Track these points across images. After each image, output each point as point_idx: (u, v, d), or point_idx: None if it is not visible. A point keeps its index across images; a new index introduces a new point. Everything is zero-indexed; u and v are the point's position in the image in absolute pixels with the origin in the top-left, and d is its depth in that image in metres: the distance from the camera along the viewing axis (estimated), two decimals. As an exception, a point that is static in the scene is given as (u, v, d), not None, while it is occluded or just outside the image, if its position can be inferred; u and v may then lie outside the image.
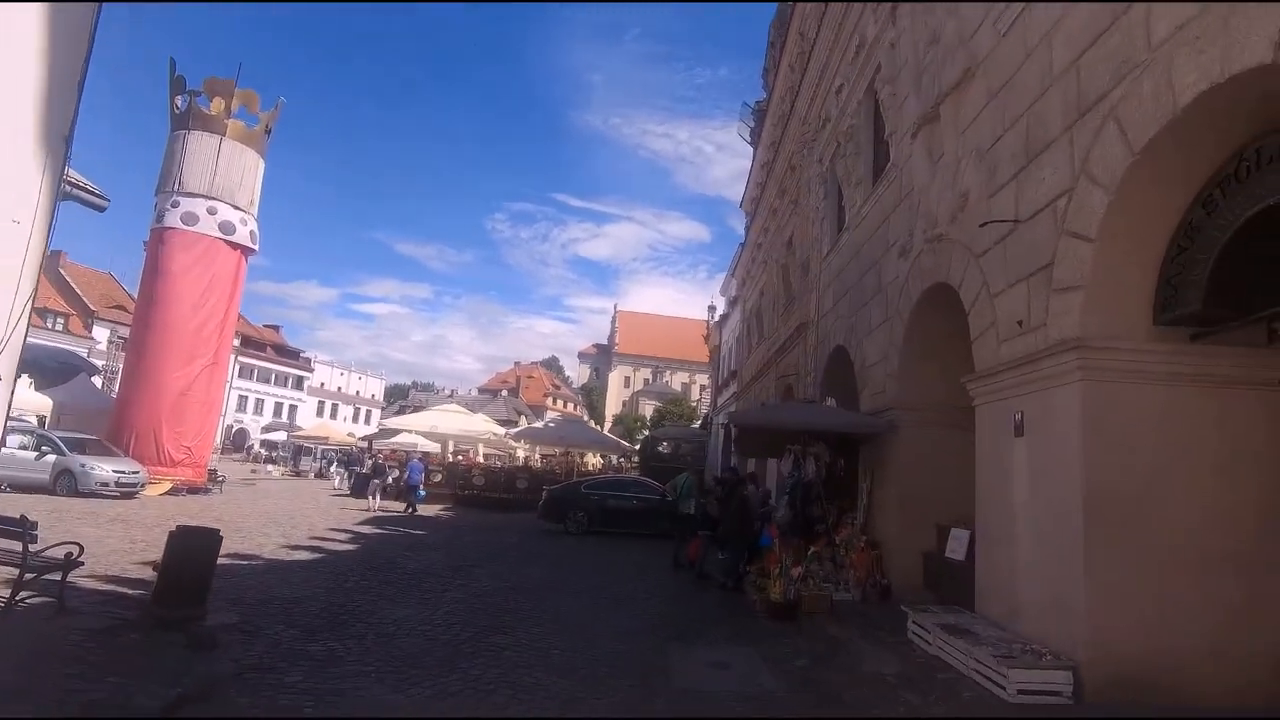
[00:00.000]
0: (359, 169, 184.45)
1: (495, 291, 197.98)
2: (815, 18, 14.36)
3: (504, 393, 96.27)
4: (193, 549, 6.11)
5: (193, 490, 20.35)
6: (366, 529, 15.70)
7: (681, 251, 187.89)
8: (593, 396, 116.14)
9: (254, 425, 63.68)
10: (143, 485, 17.77)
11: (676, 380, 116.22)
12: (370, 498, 21.26)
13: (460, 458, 29.98)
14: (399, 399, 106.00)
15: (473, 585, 9.66)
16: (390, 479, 22.92)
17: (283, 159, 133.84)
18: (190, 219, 20.93)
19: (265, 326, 67.77)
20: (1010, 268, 5.86)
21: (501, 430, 29.73)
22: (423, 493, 21.08)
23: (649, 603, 9.09)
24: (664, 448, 33.35)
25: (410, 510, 19.85)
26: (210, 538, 6.42)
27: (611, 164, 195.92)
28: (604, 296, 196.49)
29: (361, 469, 23.58)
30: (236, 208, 22.15)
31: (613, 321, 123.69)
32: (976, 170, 6.60)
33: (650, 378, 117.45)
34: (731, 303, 30.52)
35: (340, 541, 13.31)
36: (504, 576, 10.53)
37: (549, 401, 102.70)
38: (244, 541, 12.25)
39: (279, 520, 15.89)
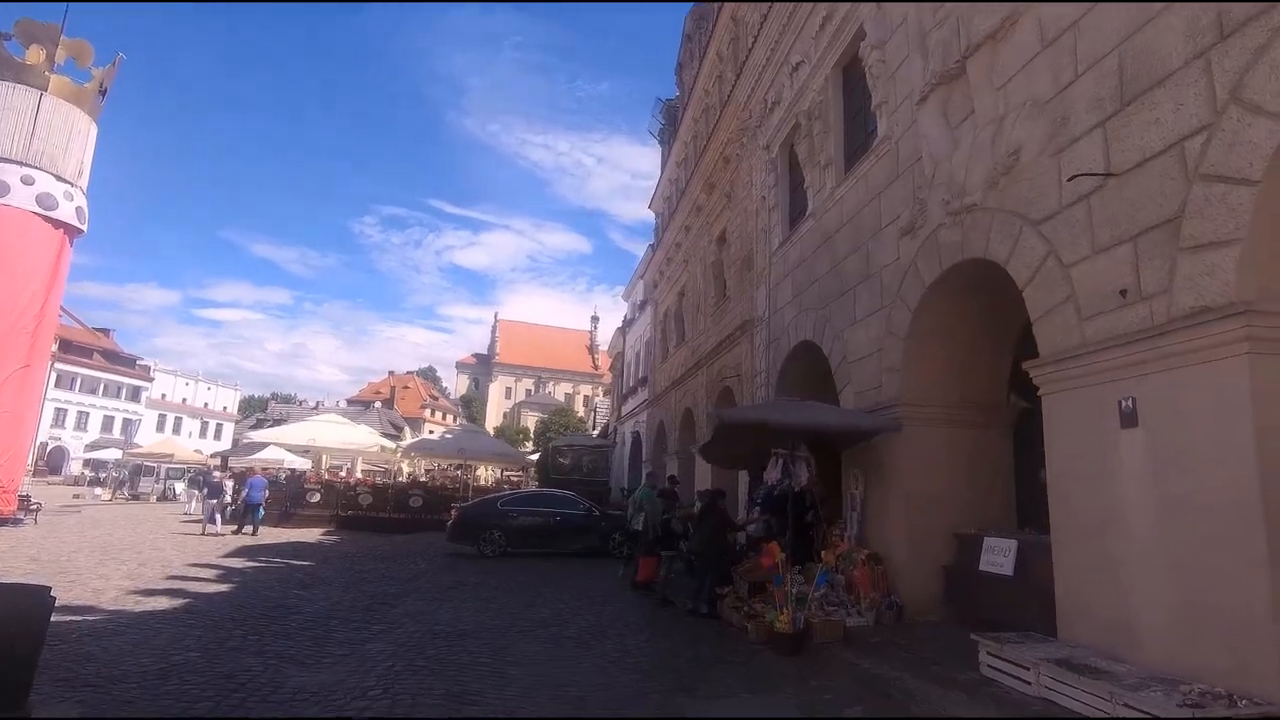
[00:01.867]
0: (210, 158, 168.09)
1: (363, 298, 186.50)
2: (757, -1, 13.62)
3: (378, 404, 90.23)
4: (6, 621, 3.99)
5: (-3, 522, 16.37)
6: (238, 562, 12.98)
7: (561, 263, 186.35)
8: (472, 408, 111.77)
9: (76, 443, 55.03)
10: (-78, 519, 13.88)
11: (559, 391, 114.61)
12: (206, 520, 18.45)
13: (330, 475, 26.75)
14: (256, 412, 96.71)
15: (397, 632, 7.74)
16: (228, 498, 19.74)
17: (117, 136, 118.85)
18: (-1, 188, 16.96)
19: (94, 330, 58.88)
20: (1102, 229, 5.02)
21: (391, 444, 26.85)
22: (262, 513, 18.71)
23: (622, 641, 7.59)
24: (565, 459, 31.69)
25: (250, 532, 17.77)
26: (34, 602, 4.30)
27: (489, 172, 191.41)
28: (481, 306, 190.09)
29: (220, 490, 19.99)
30: (60, 179, 18.16)
31: (493, 331, 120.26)
32: (1032, 124, 5.78)
33: (532, 388, 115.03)
34: (639, 307, 29.46)
35: (208, 580, 10.71)
36: (432, 617, 8.63)
37: (426, 413, 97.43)
38: (74, 588, 9.48)
39: (119, 556, 12.81)
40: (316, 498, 21.67)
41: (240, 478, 21.39)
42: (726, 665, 6.71)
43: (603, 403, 45.60)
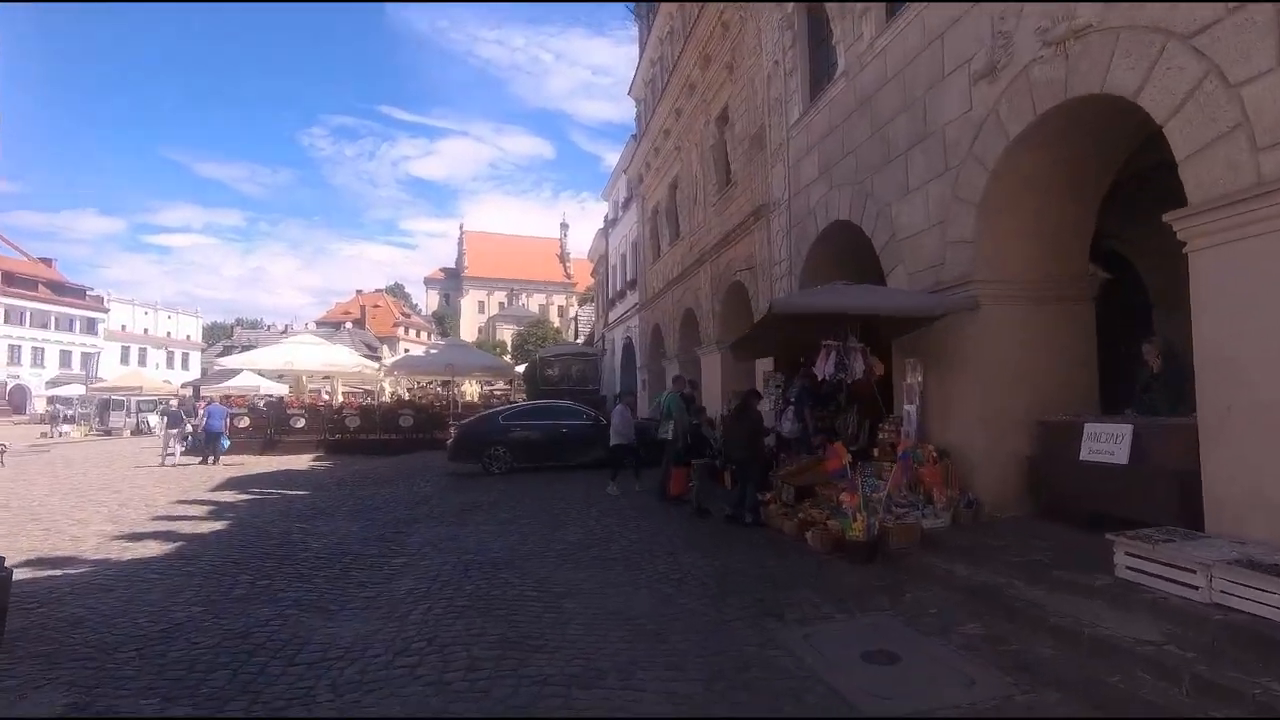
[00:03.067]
0: (137, 71, 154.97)
1: (320, 216, 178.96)
2: None
3: (348, 325, 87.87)
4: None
5: (-45, 469, 15.21)
6: (228, 496, 12.09)
7: (525, 169, 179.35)
8: (445, 324, 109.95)
9: (35, 380, 52.76)
10: None
11: (533, 303, 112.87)
12: (164, 451, 18.06)
13: (311, 399, 25.66)
14: (221, 339, 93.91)
15: (422, 565, 6.97)
16: (188, 427, 19.11)
17: (25, 50, 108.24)
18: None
19: (35, 259, 55.25)
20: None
21: (373, 364, 25.65)
22: (226, 442, 18.12)
23: (675, 560, 6.91)
24: (553, 370, 30.83)
25: (211, 461, 17.28)
26: None
27: (441, 73, 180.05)
28: (444, 219, 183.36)
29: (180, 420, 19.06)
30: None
31: (460, 243, 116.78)
32: (1188, -88, 4.55)
33: (505, 301, 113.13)
34: (623, 205, 27.81)
35: (199, 518, 9.81)
36: (455, 545, 7.87)
37: (400, 331, 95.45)
38: (50, 536, 8.54)
39: (96, 497, 11.81)
40: (301, 423, 20.67)
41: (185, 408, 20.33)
42: (801, 580, 6.06)
43: (585, 312, 44.39)
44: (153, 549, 7.81)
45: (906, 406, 7.87)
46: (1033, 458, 6.57)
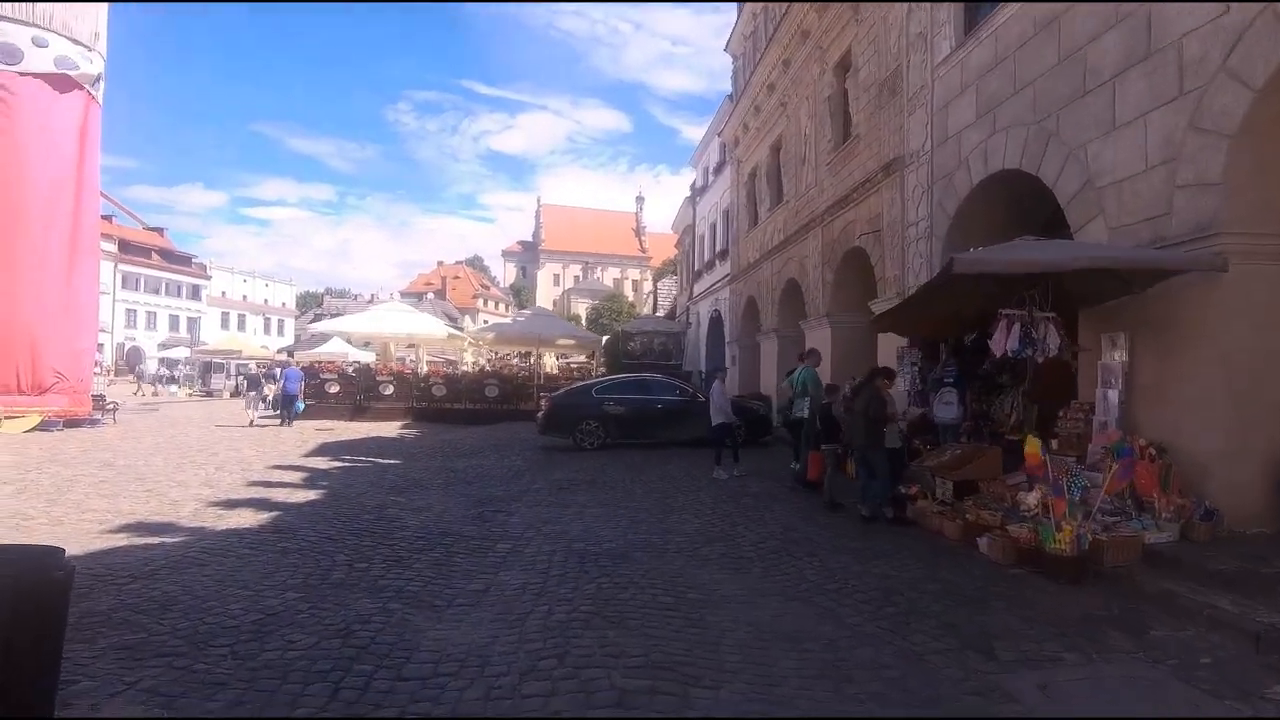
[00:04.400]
0: (233, 47, 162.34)
1: (404, 190, 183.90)
2: None
3: (429, 295, 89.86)
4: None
5: (73, 423, 15.70)
6: (321, 462, 11.79)
7: (601, 143, 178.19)
8: (521, 296, 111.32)
9: (148, 342, 56.18)
10: (-11, 423, 13.20)
11: (607, 276, 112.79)
12: (249, 410, 19.28)
13: (398, 366, 25.76)
14: (313, 307, 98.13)
15: (527, 551, 6.20)
16: (266, 390, 20.06)
17: (131, 35, 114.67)
18: (10, 54, 14.97)
19: (147, 229, 58.49)
20: None
21: (458, 332, 25.51)
22: (301, 405, 18.50)
23: (822, 564, 5.86)
24: (634, 344, 30.08)
25: (287, 423, 17.91)
26: (38, 578, 2.66)
27: (521, 47, 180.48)
28: (521, 192, 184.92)
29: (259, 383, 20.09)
30: (76, 41, 16.12)
31: (537, 217, 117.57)
32: None
33: (581, 274, 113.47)
34: (714, 171, 26.44)
35: (293, 486, 9.43)
36: (560, 529, 7.09)
37: (479, 303, 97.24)
38: (151, 499, 8.26)
39: (195, 459, 11.74)
40: (390, 390, 20.61)
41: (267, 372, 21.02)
42: (993, 600, 4.91)
43: (665, 285, 43.32)
44: (247, 518, 7.37)
45: (1104, 391, 6.49)
46: (1296, 461, 5.16)
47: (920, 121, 10.27)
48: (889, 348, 10.83)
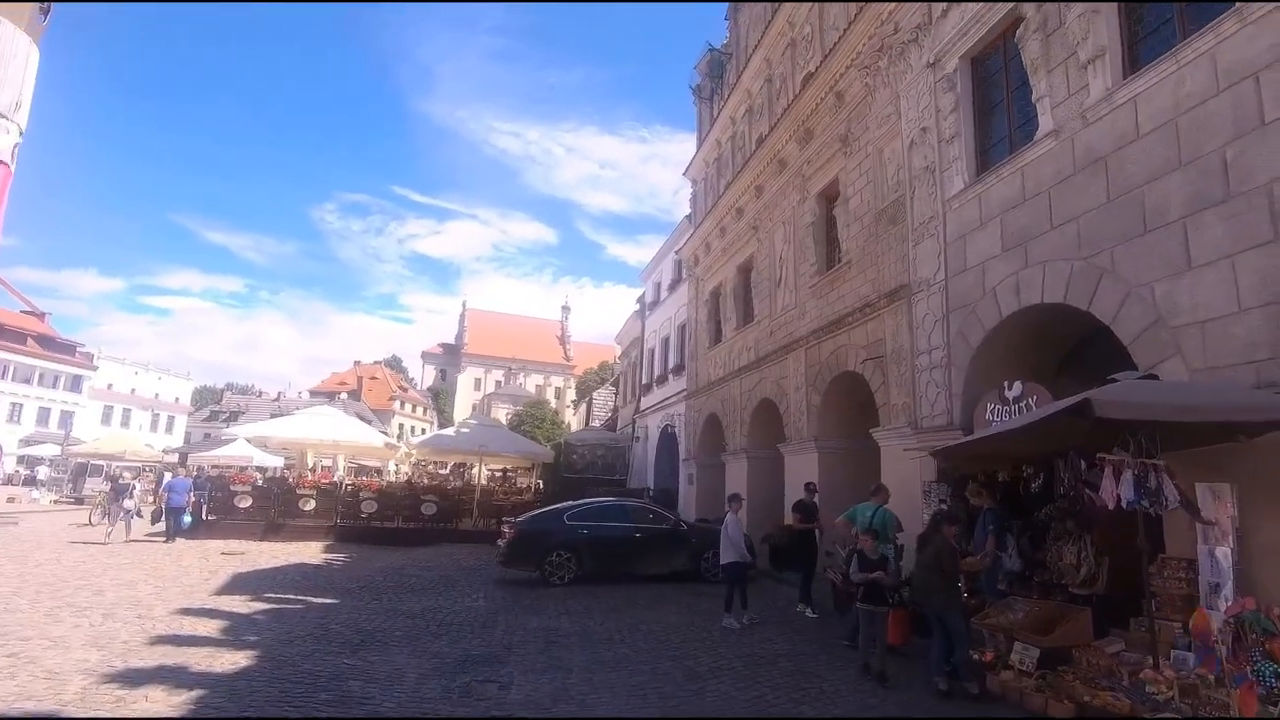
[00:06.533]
0: (162, 132, 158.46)
1: (321, 287, 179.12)
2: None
3: (343, 395, 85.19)
4: None
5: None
6: (241, 603, 9.64)
7: (527, 253, 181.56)
8: (440, 399, 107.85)
9: (10, 437, 49.51)
10: None
11: (530, 383, 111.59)
12: (109, 526, 16.13)
13: (319, 477, 23.23)
14: (209, 403, 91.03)
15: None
16: (132, 501, 16.80)
17: (51, 100, 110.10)
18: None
19: (24, 313, 53.03)
20: None
21: (394, 441, 23.37)
22: (188, 519, 16.58)
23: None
24: (577, 455, 28.67)
25: (169, 540, 15.87)
26: None
27: (456, 159, 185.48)
28: (444, 295, 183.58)
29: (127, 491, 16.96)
30: (-9, 107, 14.46)
31: (461, 320, 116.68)
32: None
33: (503, 380, 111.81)
34: (669, 287, 26.40)
35: (213, 644, 7.41)
36: (578, 710, 5.62)
37: (396, 405, 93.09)
38: (19, 671, 6.16)
39: (74, 599, 9.34)
40: (311, 505, 18.19)
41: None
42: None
43: (601, 395, 42.43)
44: (159, 703, 5.48)
45: (1209, 548, 5.85)
46: None
47: (930, 251, 10.15)
48: (896, 477, 10.15)
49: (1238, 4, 5.99)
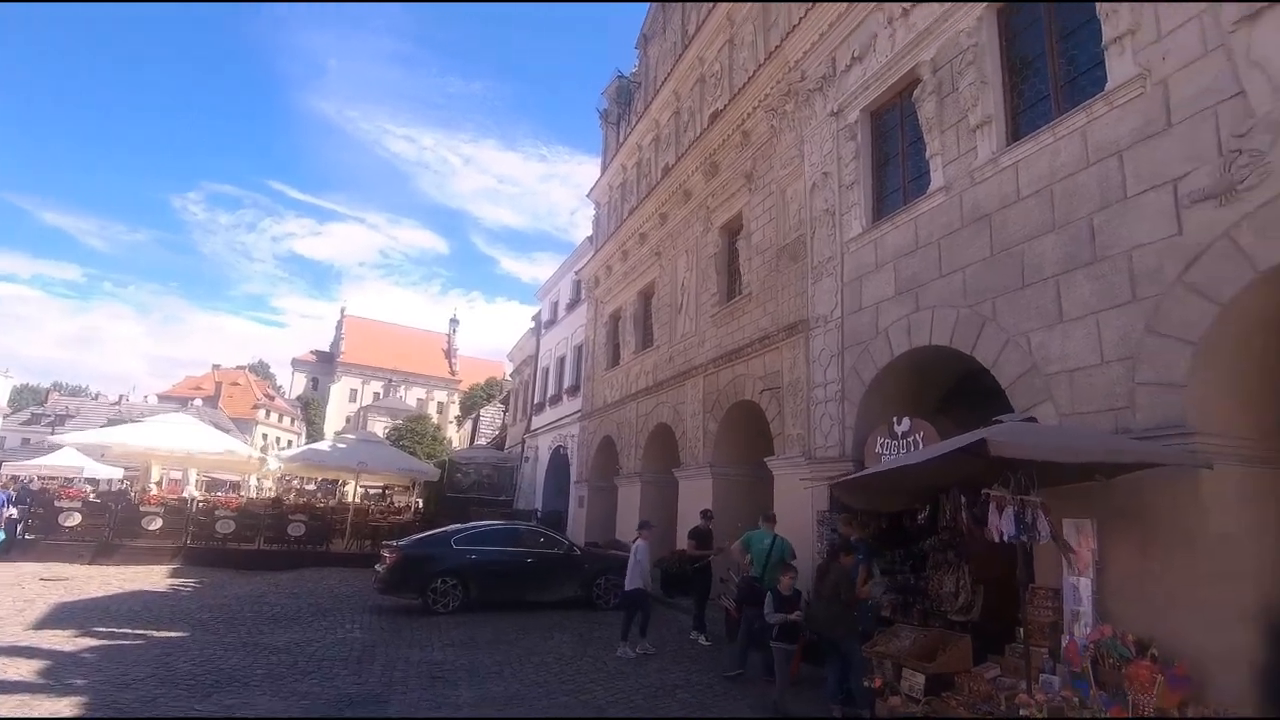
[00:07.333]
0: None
1: (178, 282, 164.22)
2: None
3: (197, 401, 77.89)
4: None
5: None
6: (64, 638, 8.38)
7: (416, 262, 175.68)
8: (311, 410, 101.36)
9: None
10: None
11: (411, 396, 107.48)
12: None
13: (167, 492, 21.02)
14: (31, 404, 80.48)
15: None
16: None
17: None
18: None
19: None
20: None
21: (257, 453, 21.47)
22: (1, 535, 14.72)
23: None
24: (462, 474, 27.66)
25: None
26: None
27: (343, 159, 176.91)
28: (321, 300, 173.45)
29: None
30: None
31: (339, 327, 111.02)
32: None
33: (382, 392, 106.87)
34: (568, 307, 26.16)
35: (29, 689, 6.36)
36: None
37: (260, 414, 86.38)
38: None
39: None
40: (157, 524, 16.29)
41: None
42: None
43: (489, 413, 41.22)
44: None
45: (1073, 579, 6.37)
46: (1277, 664, 5.18)
47: (829, 289, 10.62)
48: (790, 505, 10.45)
49: (1106, 89, 6.72)
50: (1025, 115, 7.95)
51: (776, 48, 12.31)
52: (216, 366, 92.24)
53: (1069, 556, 6.38)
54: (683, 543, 11.88)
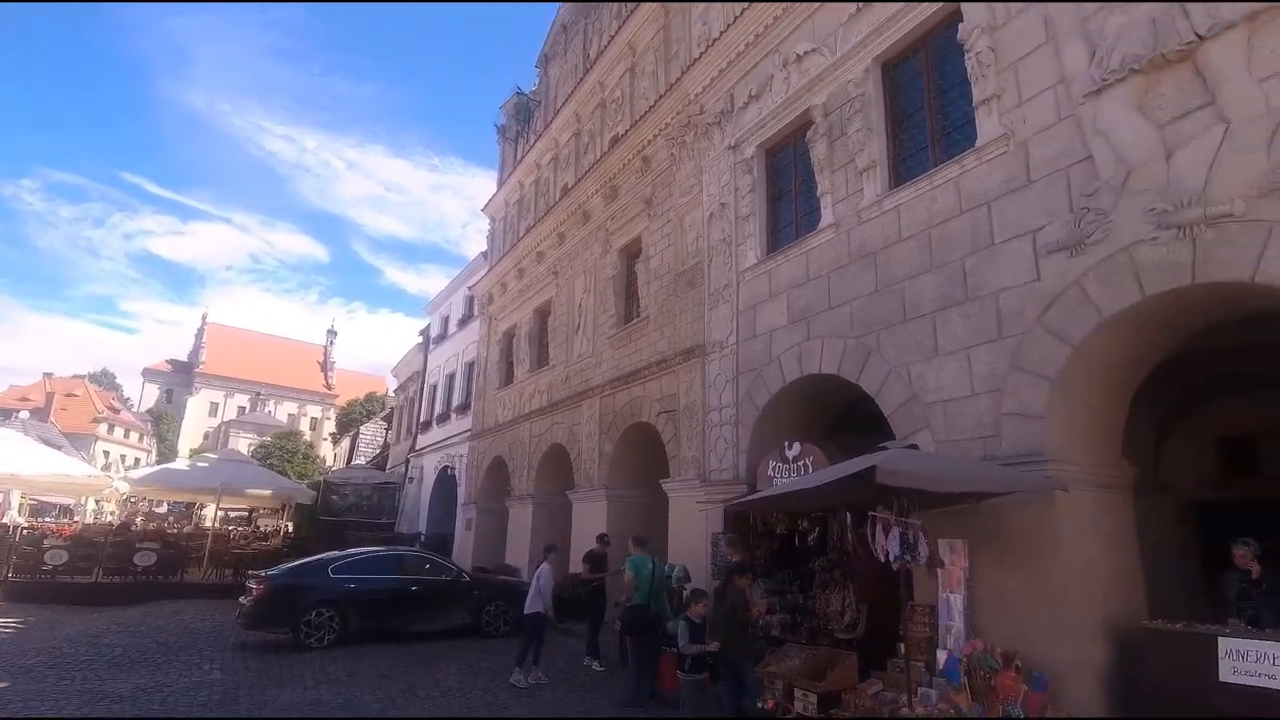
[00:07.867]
0: None
1: (6, 278, 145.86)
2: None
3: (24, 414, 68.92)
4: None
5: None
6: None
7: (291, 269, 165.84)
8: (163, 425, 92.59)
9: None
10: None
11: (282, 411, 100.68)
12: None
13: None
14: None
15: None
16: None
17: None
18: None
19: None
20: None
21: (95, 471, 19.14)
22: None
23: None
24: (339, 496, 26.08)
25: None
26: None
27: (211, 155, 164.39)
28: (181, 305, 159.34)
29: None
30: None
31: (199, 334, 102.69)
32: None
33: (248, 406, 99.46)
34: (460, 322, 25.37)
35: None
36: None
37: (101, 429, 77.66)
38: None
39: None
40: (-30, 556, 14.16)
41: None
42: None
43: (370, 430, 39.13)
44: None
45: (947, 596, 6.83)
46: (1113, 675, 5.78)
47: (724, 316, 10.94)
48: (685, 527, 10.61)
49: (977, 145, 7.39)
50: (906, 163, 8.59)
51: (677, 81, 12.67)
52: (48, 375, 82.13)
53: (943, 573, 6.85)
54: (577, 566, 11.74)
